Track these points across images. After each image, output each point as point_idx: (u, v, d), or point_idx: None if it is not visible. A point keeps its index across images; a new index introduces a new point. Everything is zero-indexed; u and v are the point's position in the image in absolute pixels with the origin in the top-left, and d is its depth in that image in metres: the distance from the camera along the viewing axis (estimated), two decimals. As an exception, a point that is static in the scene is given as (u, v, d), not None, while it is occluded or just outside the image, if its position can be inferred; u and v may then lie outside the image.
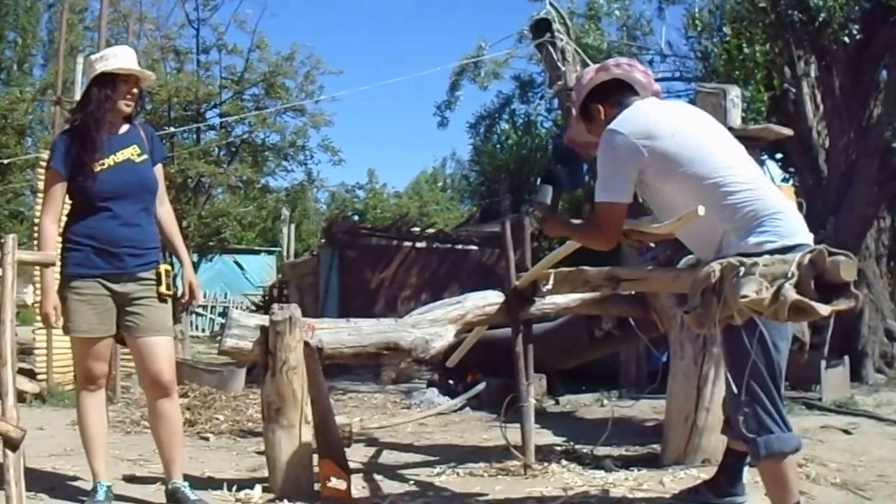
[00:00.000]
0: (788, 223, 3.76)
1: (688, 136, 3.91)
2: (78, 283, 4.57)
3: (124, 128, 4.77)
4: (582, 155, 6.75)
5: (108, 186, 4.59)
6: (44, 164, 5.51)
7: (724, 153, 3.92)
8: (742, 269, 3.42)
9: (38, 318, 6.76)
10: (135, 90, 4.72)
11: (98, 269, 4.57)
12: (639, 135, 3.88)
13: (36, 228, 5.31)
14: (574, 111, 4.39)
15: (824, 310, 3.27)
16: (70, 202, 4.72)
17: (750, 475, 4.63)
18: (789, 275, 3.29)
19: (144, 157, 4.76)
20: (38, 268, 6.75)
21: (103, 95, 4.61)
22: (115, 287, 4.59)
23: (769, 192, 3.88)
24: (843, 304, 3.31)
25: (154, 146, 4.88)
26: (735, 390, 3.71)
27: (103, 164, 4.60)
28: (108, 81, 4.62)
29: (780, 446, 3.71)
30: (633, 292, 6.17)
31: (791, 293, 3.24)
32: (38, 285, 7.38)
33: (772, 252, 3.56)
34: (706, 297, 3.57)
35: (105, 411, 4.83)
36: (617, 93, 4.17)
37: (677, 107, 4.32)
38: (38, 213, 6.66)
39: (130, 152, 4.71)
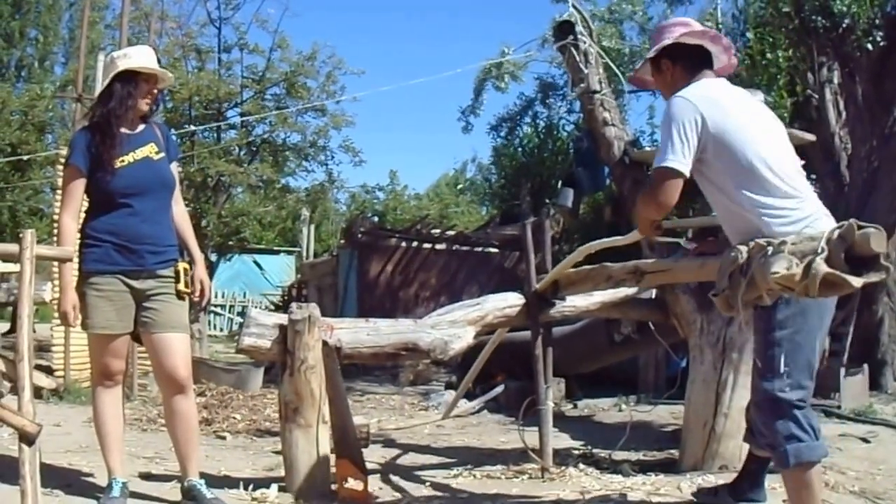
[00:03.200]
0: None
1: (748, 121, 3.85)
2: (97, 279, 4.57)
3: (141, 126, 4.79)
4: (603, 158, 6.75)
5: (129, 182, 4.60)
6: (63, 160, 5.51)
7: (777, 152, 3.90)
8: (770, 249, 3.42)
9: (56, 314, 6.76)
10: (154, 90, 4.75)
11: (118, 265, 4.57)
12: (705, 103, 3.79)
13: (55, 225, 5.31)
14: (650, 52, 4.17)
15: (857, 282, 3.27)
16: (88, 199, 4.73)
17: (767, 482, 4.62)
18: (819, 250, 3.28)
19: (162, 154, 4.78)
20: (56, 264, 6.75)
21: (126, 92, 4.62)
22: (135, 284, 4.60)
23: (810, 203, 3.85)
24: (874, 276, 3.30)
25: (169, 144, 4.90)
26: (761, 369, 3.70)
27: (123, 161, 4.60)
28: (130, 79, 4.63)
29: (809, 455, 3.69)
30: (653, 296, 6.16)
31: (822, 267, 3.24)
32: (56, 282, 7.37)
33: None
34: (734, 279, 3.56)
35: (121, 408, 4.84)
36: (693, 60, 4.04)
37: (744, 94, 4.18)
38: (57, 210, 6.67)
39: (149, 150, 4.72)
